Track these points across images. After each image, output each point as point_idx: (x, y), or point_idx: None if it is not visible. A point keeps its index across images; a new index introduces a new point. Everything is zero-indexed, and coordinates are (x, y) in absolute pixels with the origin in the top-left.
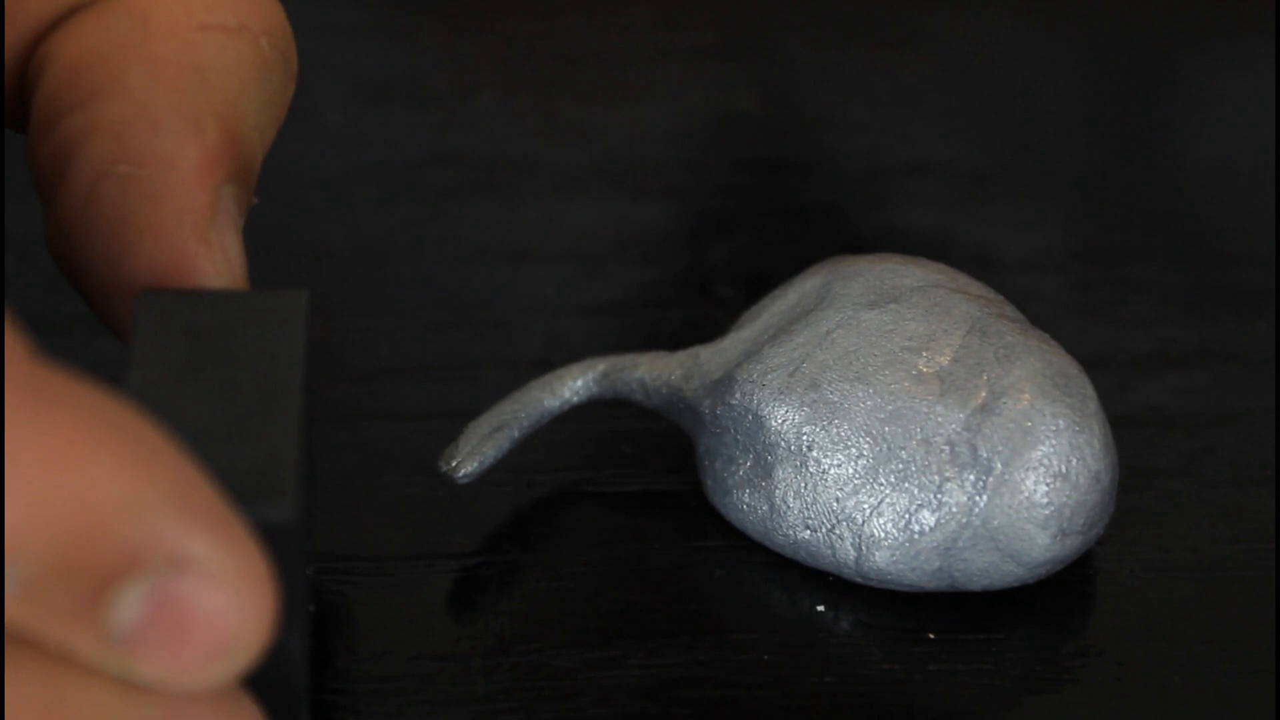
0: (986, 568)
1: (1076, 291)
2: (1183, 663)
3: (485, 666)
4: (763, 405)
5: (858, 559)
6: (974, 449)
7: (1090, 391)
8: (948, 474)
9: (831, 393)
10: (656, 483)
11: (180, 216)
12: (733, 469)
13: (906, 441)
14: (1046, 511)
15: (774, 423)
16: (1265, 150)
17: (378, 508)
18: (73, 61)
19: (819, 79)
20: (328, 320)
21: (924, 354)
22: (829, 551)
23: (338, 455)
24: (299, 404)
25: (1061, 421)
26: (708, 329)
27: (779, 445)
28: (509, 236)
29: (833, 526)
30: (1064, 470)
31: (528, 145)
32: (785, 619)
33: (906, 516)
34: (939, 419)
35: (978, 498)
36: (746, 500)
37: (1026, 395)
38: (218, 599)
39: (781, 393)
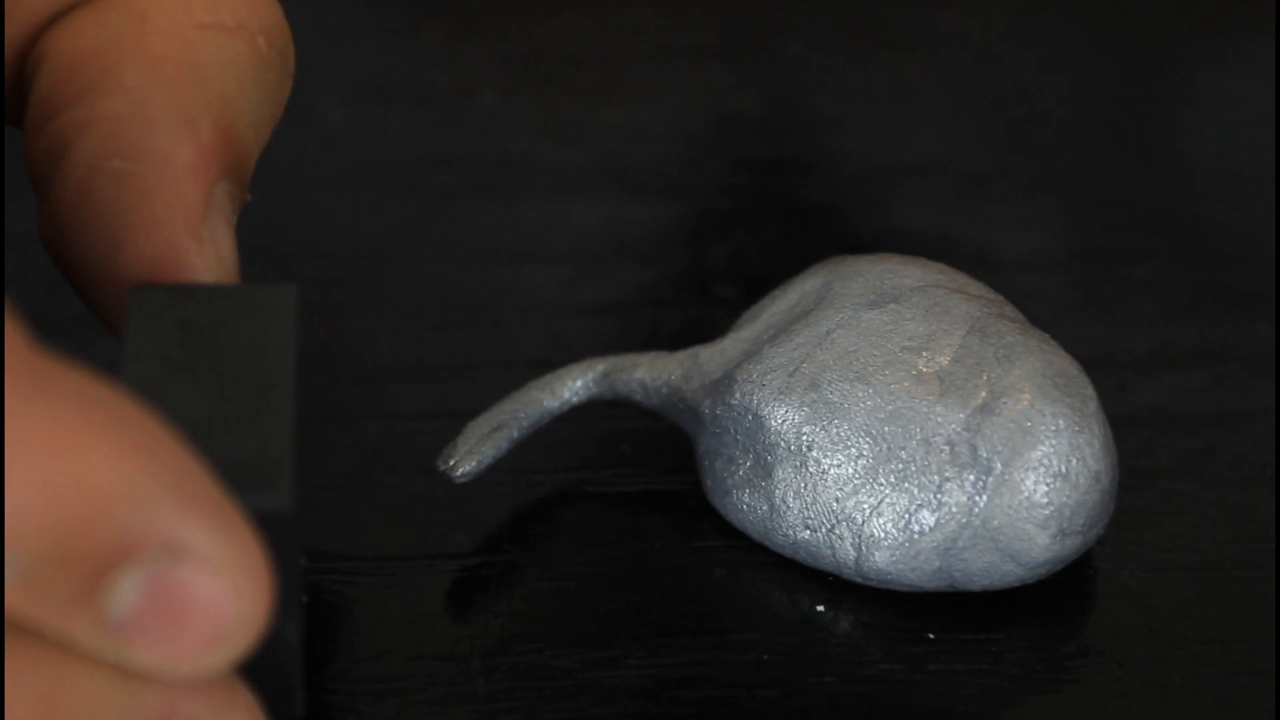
0: (986, 568)
1: (1076, 291)
2: (1183, 663)
3: (485, 666)
4: (763, 405)
5: (858, 559)
6: (974, 449)
7: (1090, 391)
8: (948, 474)
9: (831, 393)
10: (656, 483)
11: (173, 212)
12: (733, 469)
13: (906, 441)
14: (1046, 511)
15: (774, 423)
16: (1265, 150)
17: (378, 508)
18: (70, 57)
19: (819, 79)
20: (328, 320)
21: (924, 354)
22: (829, 551)
23: (338, 455)
24: (291, 395)
25: (1061, 421)
26: (708, 329)
27: (779, 445)
28: (509, 236)
29: (833, 526)
30: (1064, 470)
31: (528, 145)
32: (785, 619)
33: (906, 516)
34: (939, 419)
35: (978, 498)
36: (746, 500)
37: (1026, 395)
38: (214, 587)
39: (781, 393)
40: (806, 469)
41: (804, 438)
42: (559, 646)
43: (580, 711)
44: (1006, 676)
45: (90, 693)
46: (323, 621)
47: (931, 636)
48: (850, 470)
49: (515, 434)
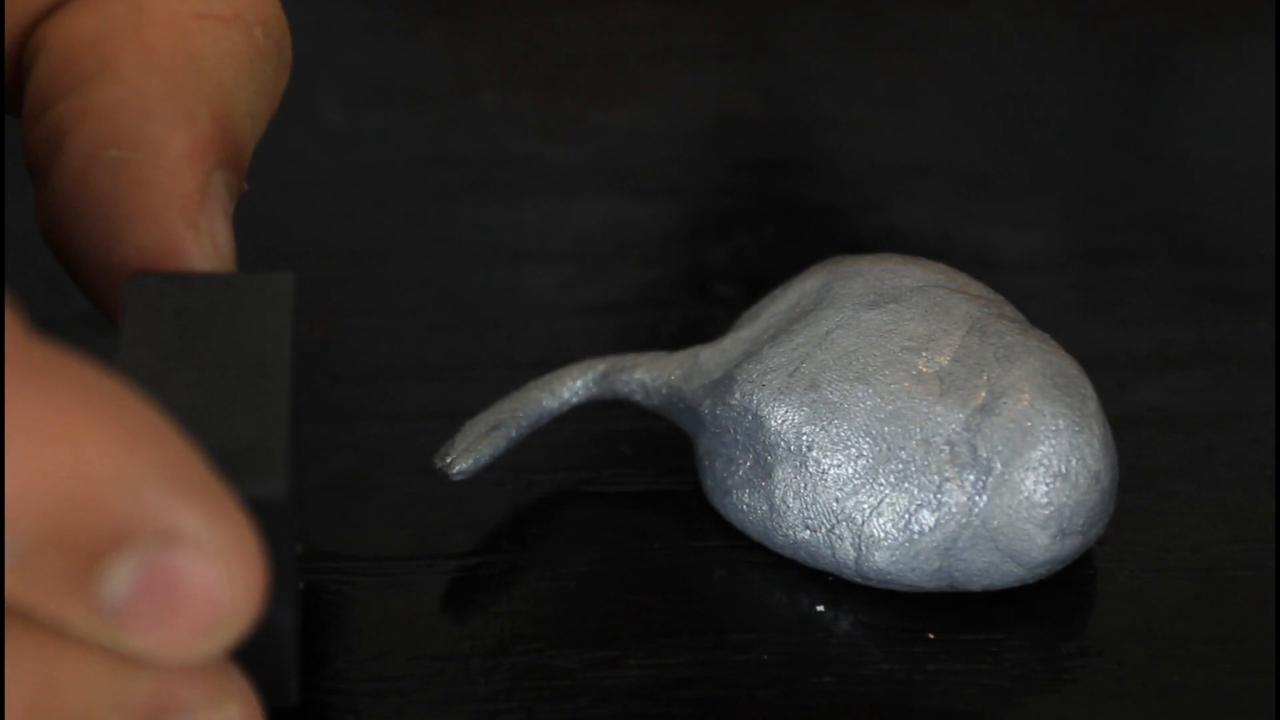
0: (986, 568)
1: (1076, 291)
2: (1183, 663)
3: (485, 666)
4: (762, 405)
5: (857, 559)
6: (974, 449)
7: (1090, 391)
8: (947, 474)
9: (831, 393)
10: (656, 483)
11: (169, 201)
12: (732, 469)
13: (906, 441)
14: (1046, 511)
15: (774, 423)
16: (1265, 150)
17: (378, 508)
18: (68, 47)
19: (819, 79)
20: (328, 320)
21: (924, 354)
22: (829, 551)
23: (338, 455)
24: (287, 383)
25: (1061, 421)
26: (708, 329)
27: (779, 445)
28: (509, 236)
29: (832, 526)
30: (1064, 470)
31: (528, 145)
32: (785, 619)
33: (906, 516)
34: (939, 419)
35: (977, 498)
36: (746, 500)
37: (1026, 395)
38: (208, 572)
39: (781, 393)
40: (806, 469)
41: (804, 438)
42: (559, 646)
43: (580, 711)
44: (1006, 676)
45: (85, 677)
46: (322, 622)
47: (931, 636)
48: (850, 470)
49: (514, 433)
